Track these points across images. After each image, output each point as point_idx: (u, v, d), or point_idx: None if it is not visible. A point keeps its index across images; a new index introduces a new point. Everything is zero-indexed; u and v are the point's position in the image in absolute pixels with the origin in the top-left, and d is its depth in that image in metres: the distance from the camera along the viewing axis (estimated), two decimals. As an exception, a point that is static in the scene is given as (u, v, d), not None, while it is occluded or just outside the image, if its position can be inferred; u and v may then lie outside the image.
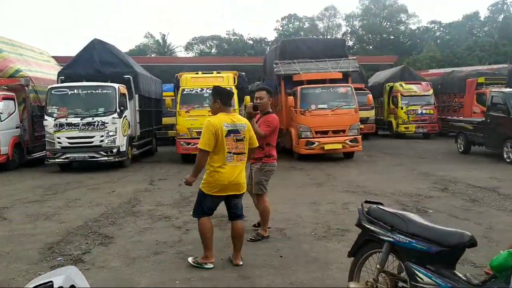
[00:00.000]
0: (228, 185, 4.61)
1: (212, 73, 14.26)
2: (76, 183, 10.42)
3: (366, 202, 3.67)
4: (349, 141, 13.15)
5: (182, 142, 13.25)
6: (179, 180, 9.20)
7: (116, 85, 12.73)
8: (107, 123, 12.27)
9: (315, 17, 60.44)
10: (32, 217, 7.12)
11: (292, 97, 13.46)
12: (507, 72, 19.73)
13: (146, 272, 4.65)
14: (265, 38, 57.58)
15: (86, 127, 12.19)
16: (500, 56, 37.74)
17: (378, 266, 3.28)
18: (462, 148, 14.56)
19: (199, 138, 4.67)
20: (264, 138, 5.65)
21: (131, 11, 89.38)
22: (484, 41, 42.37)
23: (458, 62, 37.83)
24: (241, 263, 4.82)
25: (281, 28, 58.93)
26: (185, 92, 13.29)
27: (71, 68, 14.03)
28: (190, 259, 4.86)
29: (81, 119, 12.19)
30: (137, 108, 14.26)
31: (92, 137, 12.26)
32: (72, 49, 51.73)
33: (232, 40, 56.78)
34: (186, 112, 13.12)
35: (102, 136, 12.27)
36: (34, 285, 1.72)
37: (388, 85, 22.25)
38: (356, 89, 14.76)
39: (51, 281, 1.74)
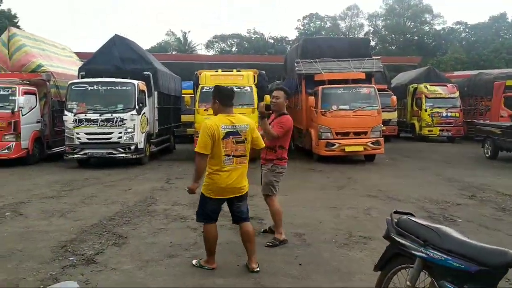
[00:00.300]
0: (226, 188, 4.41)
1: (232, 71, 14.08)
2: (93, 180, 10.35)
3: (396, 212, 3.40)
4: (371, 143, 12.80)
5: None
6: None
7: (135, 82, 12.65)
8: (126, 119, 12.20)
9: (337, 17, 59.98)
10: (47, 213, 7.02)
11: (313, 97, 13.17)
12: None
13: (158, 276, 4.47)
14: (286, 37, 57.37)
15: (105, 123, 12.14)
16: (528, 59, 36.68)
17: (408, 283, 3.01)
18: (489, 153, 14.06)
19: None
20: (276, 139, 5.47)
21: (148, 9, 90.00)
22: (512, 43, 41.25)
23: (484, 65, 36.92)
24: (257, 267, 4.59)
25: (302, 27, 58.60)
26: (204, 90, 13.13)
27: (92, 64, 14.02)
28: (194, 261, 4.73)
29: (100, 115, 12.15)
30: (156, 105, 14.16)
31: (111, 133, 12.20)
32: (93, 46, 52.32)
33: (252, 38, 56.65)
34: (204, 110, 12.93)
35: (120, 132, 12.21)
36: None
37: (412, 87, 21.76)
38: (378, 90, 14.37)
39: None
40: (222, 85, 5.06)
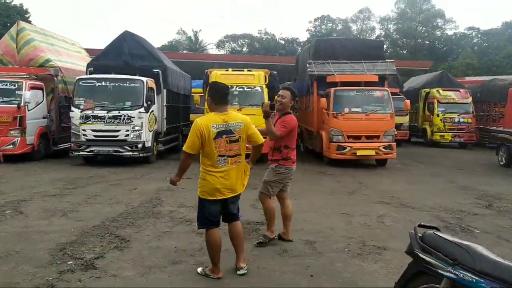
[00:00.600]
0: (221, 189, 4.22)
1: (243, 70, 13.83)
2: (98, 178, 10.14)
3: (420, 226, 3.12)
4: (383, 147, 12.48)
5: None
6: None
7: (144, 79, 12.43)
8: (133, 117, 11.98)
9: (349, 19, 59.59)
10: (48, 212, 6.80)
11: (324, 99, 12.85)
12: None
13: (161, 284, 4.21)
14: (297, 38, 57.09)
15: (112, 121, 11.92)
16: (541, 66, 36.09)
17: (434, 306, 2.73)
18: (504, 161, 13.68)
19: None
20: (280, 139, 5.32)
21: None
22: (525, 50, 40.63)
23: (497, 70, 36.39)
24: (245, 266, 4.48)
25: (313, 29, 58.22)
26: (214, 89, 12.85)
27: (101, 60, 13.81)
28: (199, 270, 4.48)
29: (107, 112, 11.93)
30: (165, 103, 13.94)
31: (118, 131, 11.98)
32: (97, 45, 52.31)
33: (263, 39, 56.39)
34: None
35: (127, 130, 11.99)
36: None
37: (424, 91, 21.39)
38: (391, 93, 14.05)
39: None
40: (219, 82, 4.91)
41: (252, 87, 13.04)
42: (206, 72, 13.87)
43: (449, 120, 19.82)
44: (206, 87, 13.29)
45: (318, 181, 10.46)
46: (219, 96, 4.32)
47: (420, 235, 3.01)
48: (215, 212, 4.31)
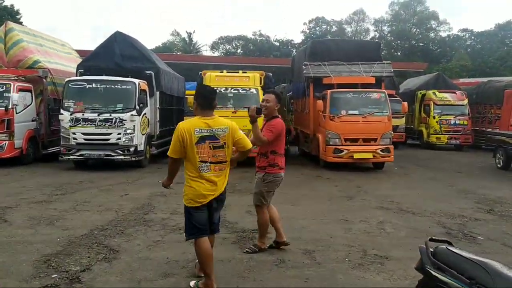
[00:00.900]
0: (206, 194, 4.02)
1: (238, 72, 13.58)
2: (88, 183, 9.82)
3: (432, 240, 2.87)
4: (381, 150, 12.26)
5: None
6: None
7: (136, 81, 12.13)
8: (125, 120, 11.67)
9: (343, 21, 59.59)
10: (34, 220, 6.49)
11: (321, 101, 12.60)
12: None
13: (151, 300, 3.94)
14: (292, 40, 56.95)
15: (103, 124, 11.61)
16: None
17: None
18: (501, 164, 13.50)
19: None
20: (267, 144, 5.09)
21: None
22: (517, 51, 40.80)
23: (490, 72, 36.45)
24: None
25: (308, 31, 58.12)
26: (208, 91, 12.60)
27: (91, 61, 13.49)
28: (192, 283, 4.18)
29: (98, 115, 11.61)
30: (158, 106, 13.65)
31: (109, 134, 11.67)
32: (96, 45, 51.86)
33: (258, 41, 56.21)
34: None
35: (119, 133, 11.68)
36: None
37: (420, 93, 21.24)
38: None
39: None
40: (206, 86, 4.76)
41: (247, 89, 12.79)
42: (200, 74, 13.61)
43: (445, 122, 19.69)
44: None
45: (315, 186, 10.21)
46: (206, 100, 4.09)
47: (432, 250, 2.76)
48: (203, 220, 4.08)
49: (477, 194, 9.44)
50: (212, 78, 13.03)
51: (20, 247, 5.26)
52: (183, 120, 17.57)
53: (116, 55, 13.26)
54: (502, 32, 52.23)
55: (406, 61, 42.55)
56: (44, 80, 13.20)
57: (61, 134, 11.83)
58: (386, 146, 12.33)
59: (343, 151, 12.21)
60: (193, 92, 16.98)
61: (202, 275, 4.19)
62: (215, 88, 4.48)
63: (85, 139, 11.65)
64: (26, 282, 4.23)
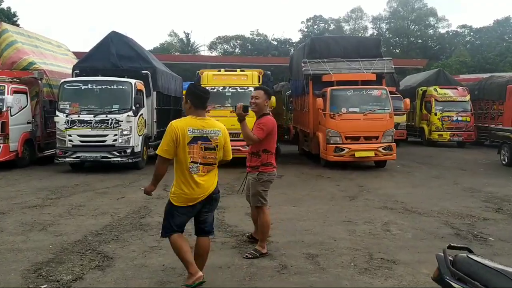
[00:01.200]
0: (195, 197, 3.89)
1: (236, 71, 13.34)
2: (84, 186, 9.58)
3: (450, 247, 2.62)
4: (383, 148, 12.00)
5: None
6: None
7: (132, 81, 11.88)
8: (122, 121, 11.43)
9: (341, 19, 59.32)
10: (26, 226, 6.25)
11: (321, 99, 12.34)
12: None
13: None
14: (290, 39, 56.65)
15: (99, 125, 11.37)
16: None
17: None
18: (506, 160, 13.27)
19: None
20: (258, 143, 4.90)
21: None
22: (517, 47, 40.58)
23: (490, 68, 36.22)
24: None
25: (306, 30, 57.86)
26: (205, 91, 12.36)
27: (87, 62, 13.25)
28: None
29: (94, 116, 11.37)
30: (155, 106, 13.40)
31: (105, 135, 11.43)
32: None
33: (256, 40, 55.93)
34: (206, 112, 12.17)
35: (115, 135, 11.44)
36: None
37: (421, 89, 21.01)
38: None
39: None
40: (199, 85, 4.58)
41: (245, 87, 12.54)
42: (198, 73, 13.36)
43: (447, 118, 19.46)
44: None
45: (316, 186, 9.96)
46: (200, 100, 4.00)
47: (451, 258, 2.51)
48: (183, 223, 4.02)
49: (484, 192, 9.20)
50: (209, 77, 12.78)
51: (11, 255, 5.02)
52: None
53: (112, 56, 13.03)
54: (501, 28, 52.06)
55: (405, 58, 42.30)
56: (40, 81, 12.94)
57: (57, 136, 11.59)
58: (388, 144, 12.07)
59: (344, 149, 11.96)
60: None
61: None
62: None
63: (81, 141, 11.42)
64: (13, 293, 4.00)
